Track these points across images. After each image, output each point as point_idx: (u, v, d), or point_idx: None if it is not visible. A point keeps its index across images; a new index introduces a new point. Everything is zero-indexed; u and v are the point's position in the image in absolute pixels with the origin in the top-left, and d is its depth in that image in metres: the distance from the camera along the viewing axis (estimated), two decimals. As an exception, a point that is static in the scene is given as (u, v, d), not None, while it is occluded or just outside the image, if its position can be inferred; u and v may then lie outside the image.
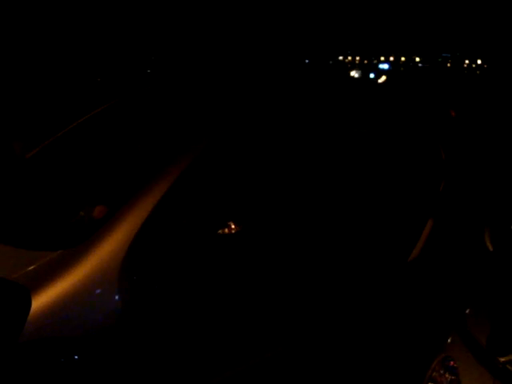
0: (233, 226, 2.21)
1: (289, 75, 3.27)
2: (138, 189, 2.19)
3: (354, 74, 26.62)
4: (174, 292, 2.13)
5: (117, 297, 2.02)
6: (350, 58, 55.77)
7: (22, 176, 3.04)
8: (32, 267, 2.11)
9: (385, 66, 35.94)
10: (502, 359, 2.88)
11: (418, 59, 53.93)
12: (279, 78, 3.34)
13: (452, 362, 2.63)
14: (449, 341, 2.73)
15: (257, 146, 2.52)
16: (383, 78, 23.39)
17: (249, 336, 2.23)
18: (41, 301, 2.02)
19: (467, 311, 2.88)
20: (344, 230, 2.58)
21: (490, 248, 3.07)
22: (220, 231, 2.18)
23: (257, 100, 2.76)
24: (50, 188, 2.77)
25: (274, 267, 2.32)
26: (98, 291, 2.02)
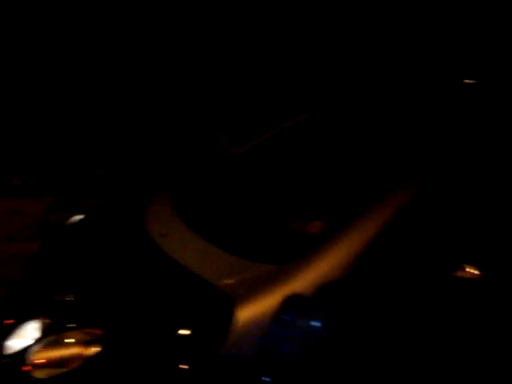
0: (471, 271, 1.88)
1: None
2: (361, 209, 2.00)
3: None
4: (389, 325, 1.93)
5: (326, 320, 1.86)
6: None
7: (232, 175, 2.99)
8: (242, 277, 2.02)
9: None
10: None
11: None
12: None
13: None
14: None
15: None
16: None
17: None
18: (245, 314, 1.90)
19: None
20: None
21: None
22: (454, 273, 1.87)
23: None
24: (263, 194, 2.67)
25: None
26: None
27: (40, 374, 2.01)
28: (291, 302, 1.89)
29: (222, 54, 7.69)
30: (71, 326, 2.10)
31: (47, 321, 2.16)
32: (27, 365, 2.05)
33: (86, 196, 5.97)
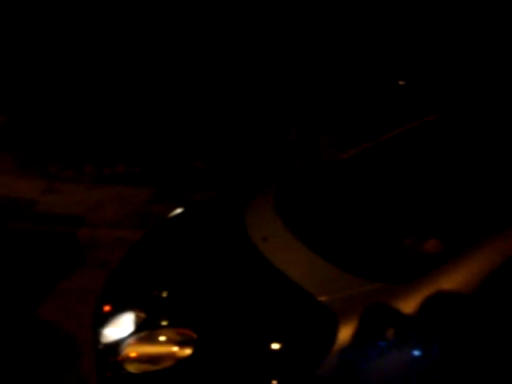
0: None
1: None
2: (488, 231, 1.76)
3: None
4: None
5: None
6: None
7: (338, 182, 2.82)
8: (348, 293, 1.86)
9: None
10: None
11: None
12: None
13: None
14: None
15: None
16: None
17: None
18: (347, 333, 1.75)
19: None
20: None
21: None
22: None
23: None
24: (371, 205, 2.49)
25: None
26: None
27: (131, 368, 2.00)
28: (398, 324, 1.72)
29: (329, 51, 7.52)
30: (165, 323, 2.06)
31: (142, 315, 2.14)
32: (120, 357, 2.05)
33: (187, 188, 6.05)
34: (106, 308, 2.47)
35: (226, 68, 7.61)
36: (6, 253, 4.01)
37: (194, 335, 1.92)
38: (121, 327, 2.18)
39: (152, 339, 2.03)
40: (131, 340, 2.06)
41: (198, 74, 7.54)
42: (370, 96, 7.13)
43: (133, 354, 2.04)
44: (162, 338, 2.01)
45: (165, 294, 2.23)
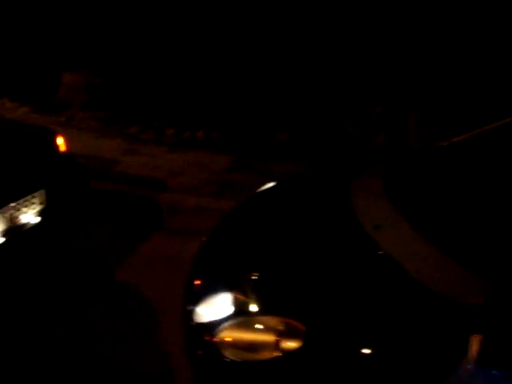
0: None
1: None
2: None
3: None
4: None
5: None
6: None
7: (452, 171, 2.51)
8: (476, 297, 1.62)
9: None
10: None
11: None
12: None
13: None
14: None
15: None
16: None
17: None
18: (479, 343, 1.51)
19: None
20: None
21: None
22: None
23: None
24: (500, 197, 2.18)
25: None
26: None
27: (228, 353, 1.85)
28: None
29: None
30: (267, 310, 1.90)
31: (241, 297, 1.99)
32: (215, 338, 1.91)
33: (267, 159, 5.88)
34: (197, 282, 2.36)
35: (314, 41, 7.29)
36: (87, 212, 3.98)
37: (302, 327, 1.75)
38: (215, 307, 2.04)
39: (252, 325, 1.88)
40: (228, 323, 1.91)
41: (288, 46, 7.28)
42: (468, 76, 6.63)
43: (229, 339, 1.90)
44: (263, 326, 1.85)
45: (265, 277, 2.06)
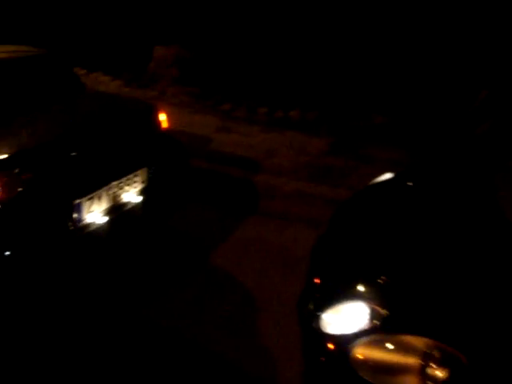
0: None
1: None
2: None
3: None
4: None
5: None
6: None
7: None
8: None
9: None
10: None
11: None
12: None
13: None
14: None
15: None
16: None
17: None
18: None
19: None
20: None
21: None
22: None
23: None
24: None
25: None
26: None
27: (365, 374, 1.61)
28: None
29: None
30: (415, 330, 1.62)
31: (376, 309, 1.72)
32: (349, 354, 1.67)
33: (365, 143, 5.53)
34: (317, 281, 2.12)
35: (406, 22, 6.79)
36: (186, 191, 3.85)
37: (463, 358, 1.47)
38: (345, 316, 1.79)
39: (391, 344, 1.62)
40: (364, 339, 1.66)
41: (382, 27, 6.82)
42: None
43: (363, 356, 1.65)
44: (406, 347, 1.59)
45: (402, 284, 1.78)
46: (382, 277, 1.84)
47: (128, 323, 2.86)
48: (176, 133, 4.09)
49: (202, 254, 3.58)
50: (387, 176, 2.85)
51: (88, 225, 2.81)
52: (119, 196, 3.02)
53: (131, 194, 3.10)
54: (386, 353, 1.63)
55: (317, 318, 1.86)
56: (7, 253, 2.48)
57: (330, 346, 1.78)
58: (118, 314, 2.93)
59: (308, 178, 4.62)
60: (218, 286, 3.25)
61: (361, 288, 1.85)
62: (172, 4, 8.27)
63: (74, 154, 2.78)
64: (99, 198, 2.87)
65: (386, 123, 6.16)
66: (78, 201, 2.74)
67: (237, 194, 4.46)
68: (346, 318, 1.79)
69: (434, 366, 1.51)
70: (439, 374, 1.49)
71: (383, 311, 1.69)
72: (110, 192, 2.95)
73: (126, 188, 3.06)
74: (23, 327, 2.73)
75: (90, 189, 2.83)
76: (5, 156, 2.54)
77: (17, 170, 2.48)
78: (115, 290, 3.14)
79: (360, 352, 1.65)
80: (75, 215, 2.73)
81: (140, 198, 3.15)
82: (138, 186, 3.17)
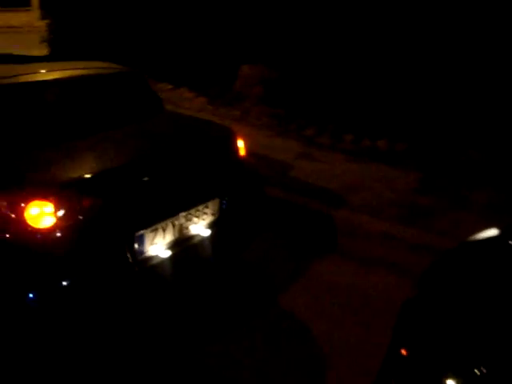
0: None
1: None
2: None
3: None
4: None
5: None
6: None
7: None
8: None
9: None
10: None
11: None
12: None
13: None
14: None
15: None
16: None
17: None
18: None
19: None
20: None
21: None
22: None
23: None
24: None
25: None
26: None
27: None
28: None
29: None
30: None
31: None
32: None
33: (458, 181, 5.01)
34: (404, 352, 1.76)
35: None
36: (260, 225, 3.56)
37: None
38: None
39: None
40: None
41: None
42: None
43: None
44: None
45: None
46: (481, 367, 1.45)
47: (183, 370, 2.60)
48: (254, 156, 3.83)
49: (272, 294, 3.28)
50: (491, 232, 2.42)
51: (150, 258, 2.58)
52: (186, 228, 2.77)
53: (199, 227, 2.85)
54: None
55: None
56: (64, 283, 2.29)
57: None
58: (173, 355, 2.68)
59: (393, 217, 4.19)
60: (286, 333, 2.94)
61: (452, 380, 1.47)
62: (261, 23, 8.13)
63: (142, 180, 2.58)
64: (164, 229, 2.64)
65: (484, 160, 5.59)
66: (141, 232, 2.52)
67: (314, 230, 4.12)
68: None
69: None
70: None
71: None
72: (177, 223, 2.71)
73: (195, 220, 2.81)
74: (79, 359, 2.55)
75: (156, 219, 2.60)
76: (64, 179, 2.36)
77: (77, 195, 2.29)
78: (174, 329, 2.90)
79: None
80: (136, 247, 2.51)
81: (209, 232, 2.88)
82: (208, 219, 2.91)
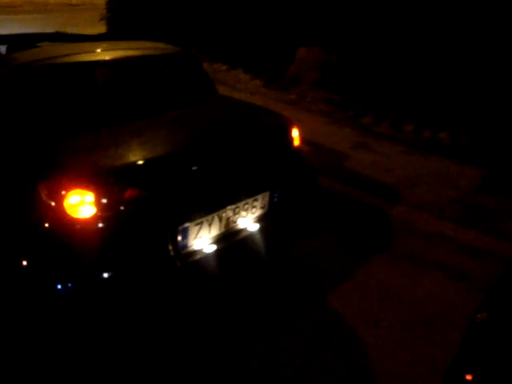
0: None
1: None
2: None
3: None
4: None
5: None
6: None
7: None
8: None
9: None
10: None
11: None
12: None
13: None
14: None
15: None
16: None
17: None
18: None
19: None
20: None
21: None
22: None
23: None
24: None
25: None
26: None
27: None
28: None
29: None
30: None
31: None
32: None
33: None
34: (469, 378, 1.58)
35: None
36: (310, 220, 3.39)
37: None
38: None
39: None
40: None
41: None
42: None
43: None
44: None
45: None
46: None
47: (223, 370, 2.49)
48: (309, 144, 3.64)
49: (320, 293, 3.12)
50: None
51: (193, 252, 2.47)
52: (233, 222, 2.64)
53: (247, 221, 2.71)
54: None
55: None
56: (100, 275, 2.21)
57: None
58: (214, 352, 2.57)
59: (454, 217, 3.92)
60: (329, 338, 2.77)
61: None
62: (323, 4, 7.82)
63: (190, 170, 2.45)
64: (210, 222, 2.51)
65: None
66: (185, 225, 2.40)
67: (368, 226, 3.90)
68: None
69: None
70: None
71: None
72: (224, 216, 2.57)
73: (243, 213, 2.67)
74: (116, 353, 2.48)
75: (202, 212, 2.47)
76: (107, 167, 2.26)
77: (119, 185, 2.19)
78: (216, 326, 2.79)
79: None
80: (179, 240, 2.39)
81: (257, 226, 2.74)
82: (257, 212, 2.76)
